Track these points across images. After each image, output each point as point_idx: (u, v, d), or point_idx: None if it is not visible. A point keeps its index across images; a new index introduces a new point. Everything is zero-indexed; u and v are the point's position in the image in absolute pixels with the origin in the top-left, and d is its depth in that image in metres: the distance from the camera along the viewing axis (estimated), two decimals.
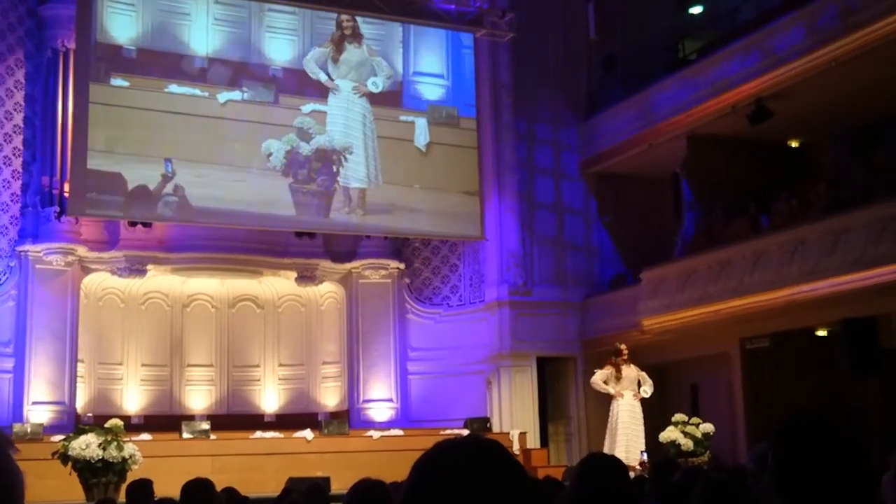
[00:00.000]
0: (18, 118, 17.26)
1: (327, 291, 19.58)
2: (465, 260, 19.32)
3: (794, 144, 17.50)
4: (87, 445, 12.01)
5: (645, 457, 13.92)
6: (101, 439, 12.12)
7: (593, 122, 19.02)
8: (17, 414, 16.30)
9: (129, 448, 12.30)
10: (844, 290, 13.41)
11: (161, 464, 12.36)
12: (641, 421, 14.65)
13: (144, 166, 16.27)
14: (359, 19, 18.04)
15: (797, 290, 14.04)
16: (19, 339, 16.69)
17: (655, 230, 18.65)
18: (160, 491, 7.02)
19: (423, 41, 18.59)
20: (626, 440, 14.35)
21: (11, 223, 17.05)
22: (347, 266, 19.20)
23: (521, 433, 16.88)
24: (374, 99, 18.00)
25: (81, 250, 17.17)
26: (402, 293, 19.36)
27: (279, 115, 17.29)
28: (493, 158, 18.65)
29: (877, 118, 16.02)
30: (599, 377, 14.85)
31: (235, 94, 17.09)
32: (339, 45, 17.93)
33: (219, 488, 7.32)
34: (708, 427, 14.50)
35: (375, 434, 16.36)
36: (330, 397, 19.35)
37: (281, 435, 15.87)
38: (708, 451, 14.35)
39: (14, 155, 17.17)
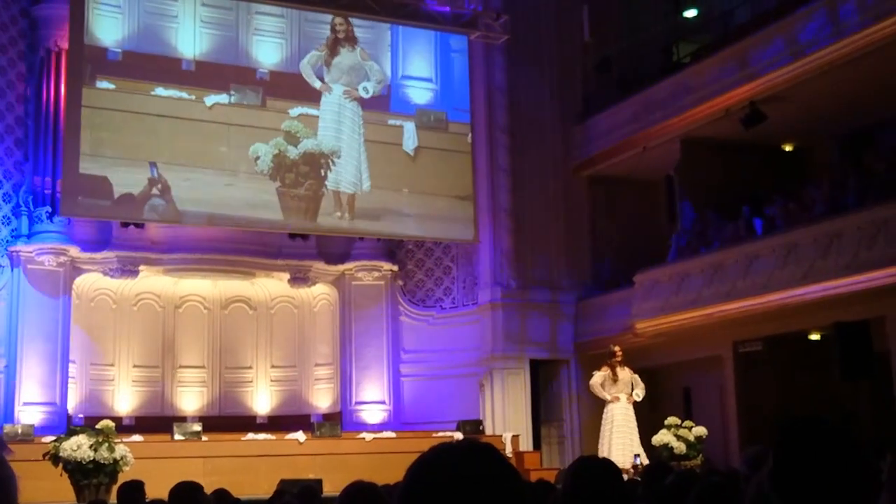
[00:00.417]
0: (11, 118, 17.22)
1: (320, 293, 19.57)
2: (458, 262, 19.32)
3: (787, 148, 17.53)
4: (79, 447, 11.98)
5: (638, 460, 13.92)
6: (93, 440, 12.09)
7: (587, 124, 19.03)
8: (8, 415, 16.25)
9: (121, 449, 12.28)
10: (837, 294, 13.43)
11: (152, 465, 12.34)
12: (635, 424, 14.68)
13: (131, 170, 16.16)
14: (351, 23, 17.99)
15: (790, 294, 14.06)
16: (10, 339, 16.64)
17: (649, 233, 18.67)
18: (152, 492, 7.00)
19: (412, 45, 18.56)
20: (622, 443, 14.36)
21: (4, 223, 17.01)
22: (340, 268, 19.19)
23: (513, 436, 16.88)
24: (363, 103, 17.96)
25: (73, 251, 17.13)
26: (396, 295, 19.35)
27: (267, 118, 17.20)
28: (486, 160, 18.64)
29: (870, 122, 16.06)
30: (598, 380, 14.86)
31: (223, 98, 16.97)
32: (332, 48, 17.90)
33: (210, 490, 7.30)
34: (701, 430, 14.52)
35: (368, 436, 16.35)
36: (322, 399, 19.32)
37: (273, 437, 15.84)
38: (700, 455, 14.37)
39: (6, 155, 17.12)
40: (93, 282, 17.99)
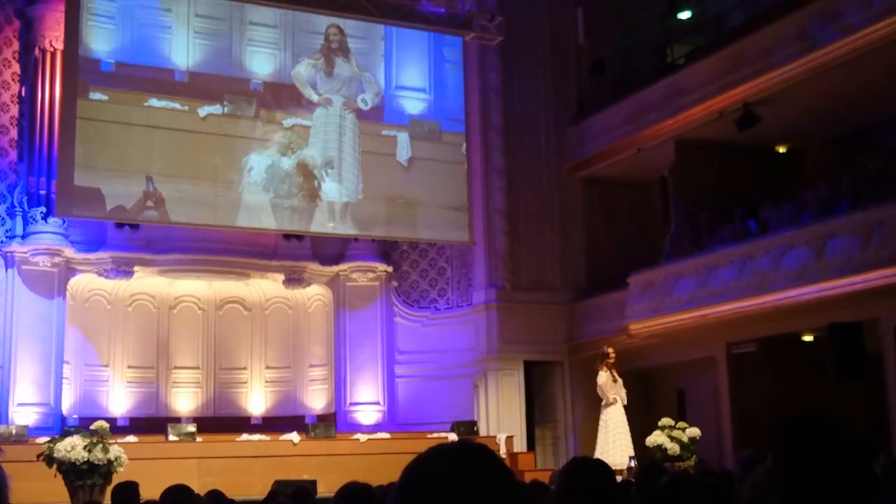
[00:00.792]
0: (6, 118, 17.20)
1: (315, 294, 19.56)
2: (452, 263, 19.33)
3: (781, 150, 17.57)
4: (73, 447, 11.97)
5: (633, 462, 13.94)
6: (87, 441, 12.08)
7: (581, 126, 19.05)
8: (2, 415, 16.23)
9: (115, 450, 12.26)
10: (831, 296, 13.46)
11: (147, 466, 12.34)
12: (628, 426, 14.74)
13: (124, 182, 16.07)
14: (345, 33, 17.96)
15: (784, 295, 14.09)
16: (5, 340, 16.61)
17: (643, 234, 18.70)
18: (146, 493, 7.00)
19: (406, 55, 18.52)
20: (621, 444, 14.41)
21: None
22: (335, 269, 19.19)
23: (508, 437, 16.89)
24: (359, 114, 17.93)
25: (68, 251, 17.11)
26: (390, 296, 19.36)
27: (260, 129, 17.16)
28: (480, 161, 18.65)
29: (863, 124, 16.11)
30: (604, 380, 14.88)
31: (216, 108, 16.87)
32: (327, 58, 17.86)
33: (204, 491, 7.31)
34: (694, 431, 14.54)
35: (362, 437, 16.35)
36: (317, 400, 19.31)
37: (267, 438, 15.84)
38: (694, 456, 14.38)
39: (1, 155, 17.10)
40: (87, 282, 17.97)
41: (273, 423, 18.17)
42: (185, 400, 18.77)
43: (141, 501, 6.89)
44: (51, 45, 16.97)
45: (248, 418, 18.89)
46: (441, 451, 1.75)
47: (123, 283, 18.03)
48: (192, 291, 19.08)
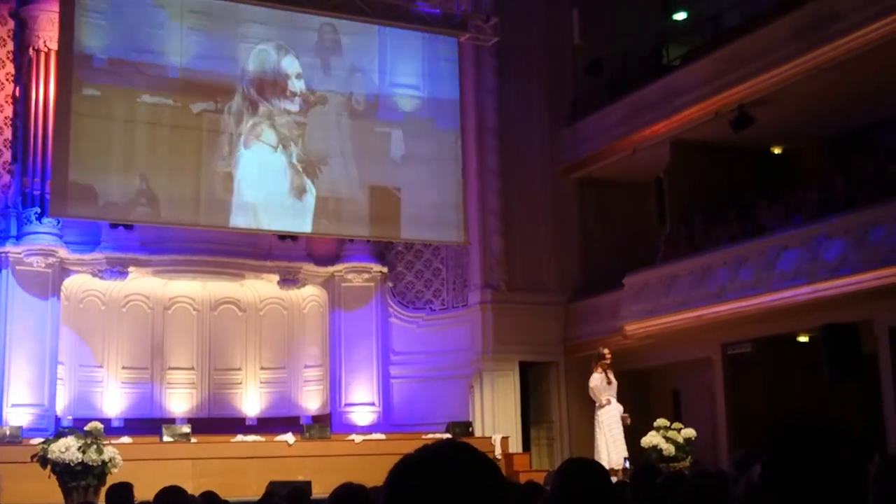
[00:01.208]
0: (0, 119, 17.16)
1: (310, 294, 19.55)
2: (447, 264, 19.32)
3: (776, 151, 17.58)
4: (67, 448, 11.94)
5: (627, 463, 13.94)
6: (81, 442, 12.06)
7: (577, 126, 19.05)
8: None
9: (109, 451, 12.24)
10: (826, 297, 13.47)
11: (141, 467, 12.33)
12: (622, 427, 14.72)
13: (116, 178, 16.03)
14: (339, 30, 17.94)
15: (778, 296, 14.10)
16: None
17: (638, 235, 18.70)
18: (140, 494, 6.99)
19: (400, 52, 18.48)
20: (617, 445, 14.40)
21: None
22: (330, 269, 19.18)
23: (503, 437, 16.89)
24: (353, 111, 17.92)
25: (62, 252, 17.08)
26: (385, 297, 19.35)
27: (253, 126, 17.10)
28: (475, 162, 18.64)
29: (858, 125, 16.14)
30: (598, 382, 14.81)
31: (209, 105, 16.83)
32: (321, 55, 17.84)
33: (199, 492, 7.29)
34: (689, 432, 14.52)
35: (357, 438, 16.35)
36: (312, 401, 19.30)
37: (262, 438, 15.83)
38: (689, 456, 14.37)
39: None
40: (82, 283, 17.94)
41: (268, 424, 18.16)
42: (179, 401, 18.74)
43: (135, 503, 6.88)
44: (45, 46, 16.93)
45: (243, 419, 18.87)
46: (427, 450, 1.76)
47: (118, 283, 18.00)
48: (186, 292, 19.05)
